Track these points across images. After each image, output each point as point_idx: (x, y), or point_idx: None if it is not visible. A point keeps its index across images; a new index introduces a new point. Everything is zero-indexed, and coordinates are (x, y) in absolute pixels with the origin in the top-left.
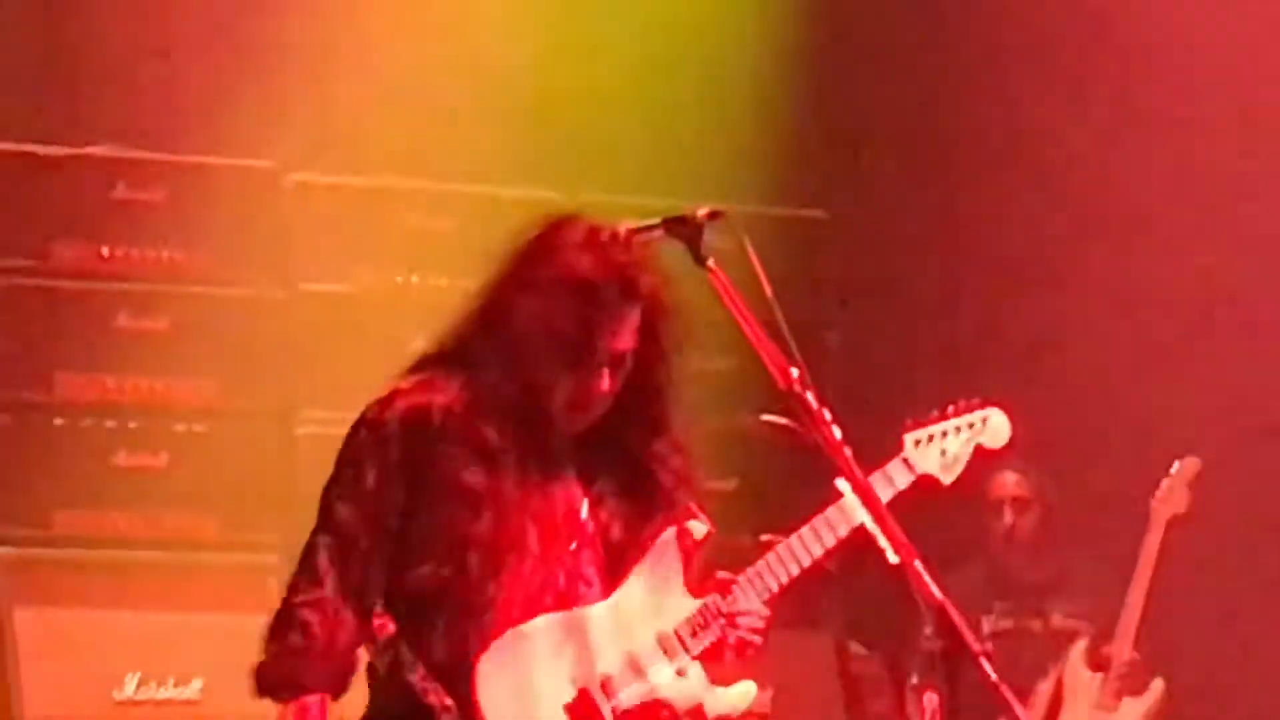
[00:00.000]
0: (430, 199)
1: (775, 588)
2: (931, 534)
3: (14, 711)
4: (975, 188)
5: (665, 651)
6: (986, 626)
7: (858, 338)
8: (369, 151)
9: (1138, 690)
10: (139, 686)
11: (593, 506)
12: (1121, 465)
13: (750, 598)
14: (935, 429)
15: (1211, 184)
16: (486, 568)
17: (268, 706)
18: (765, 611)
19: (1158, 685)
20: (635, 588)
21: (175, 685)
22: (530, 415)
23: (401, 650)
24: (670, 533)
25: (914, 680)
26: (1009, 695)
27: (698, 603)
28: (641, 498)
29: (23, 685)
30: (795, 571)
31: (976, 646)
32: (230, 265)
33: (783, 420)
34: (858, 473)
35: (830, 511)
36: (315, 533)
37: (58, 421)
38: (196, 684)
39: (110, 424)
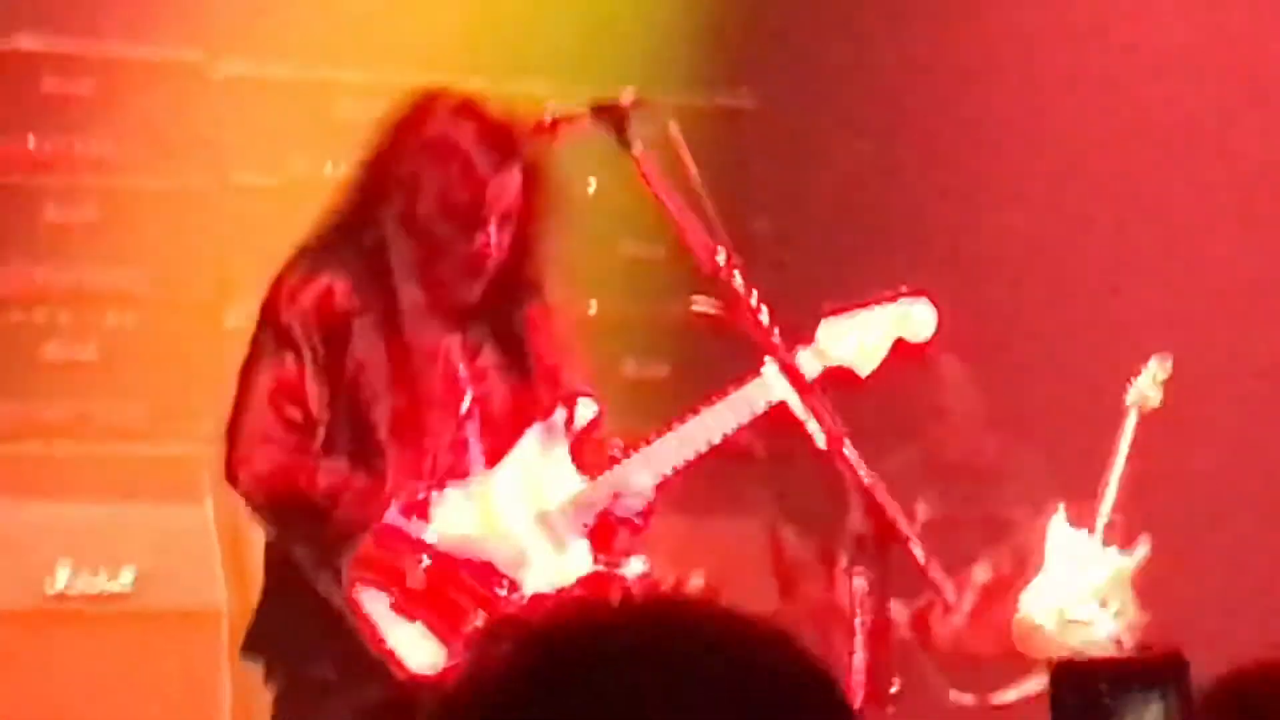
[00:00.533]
0: (359, 89)
1: (670, 469)
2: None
3: None
4: (914, 68)
5: (546, 528)
6: (921, 513)
7: (786, 225)
8: (297, 42)
9: (1125, 544)
10: (70, 578)
11: (473, 376)
12: (1085, 361)
13: (640, 475)
14: (853, 320)
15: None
16: (389, 444)
17: (199, 596)
18: (649, 494)
19: (1144, 543)
20: (517, 463)
21: (106, 577)
22: (423, 283)
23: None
24: (559, 412)
25: (843, 563)
26: (938, 575)
27: (584, 480)
28: (517, 366)
29: None
30: (696, 452)
31: (904, 530)
32: (159, 157)
33: (712, 306)
34: (784, 356)
35: (744, 389)
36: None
37: None
38: (128, 575)
39: (39, 317)
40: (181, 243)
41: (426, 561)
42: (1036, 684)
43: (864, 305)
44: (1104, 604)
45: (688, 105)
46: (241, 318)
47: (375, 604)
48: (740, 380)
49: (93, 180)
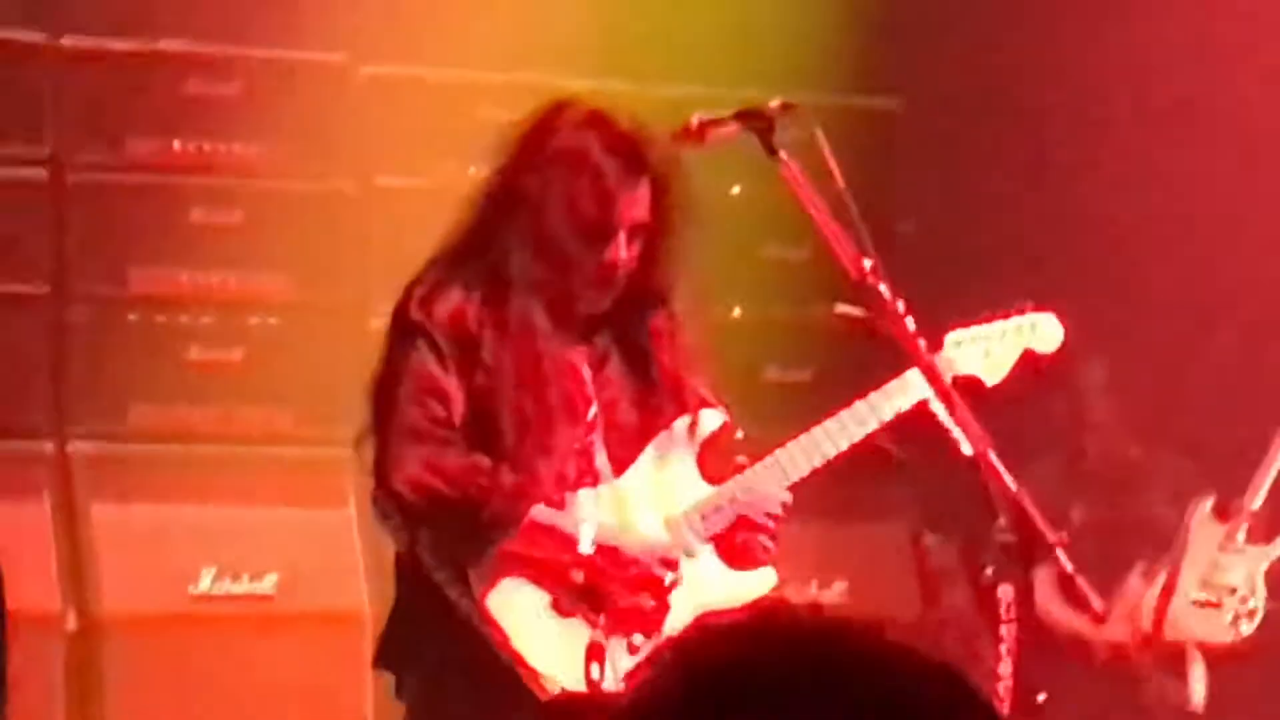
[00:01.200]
0: (503, 91)
1: (805, 471)
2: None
3: (92, 606)
4: (1064, 76)
5: (670, 533)
6: (1075, 517)
7: (932, 229)
8: (441, 43)
9: (1265, 539)
10: (214, 581)
11: (599, 385)
12: (1227, 360)
13: (767, 483)
14: (980, 331)
15: None
16: (516, 454)
17: (342, 599)
18: (783, 497)
19: None
20: (644, 470)
21: (250, 580)
22: (551, 295)
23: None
24: (683, 420)
25: (989, 573)
26: (1086, 586)
27: (711, 489)
28: (643, 376)
29: (100, 580)
30: (831, 454)
31: (1052, 538)
32: (303, 159)
33: (857, 311)
34: (930, 360)
35: (883, 390)
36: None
37: (132, 316)
38: (271, 578)
39: (184, 319)
40: (326, 245)
41: (589, 550)
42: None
43: (991, 319)
44: (1233, 591)
45: (835, 106)
46: (386, 320)
47: (528, 601)
48: (884, 383)
49: (237, 182)
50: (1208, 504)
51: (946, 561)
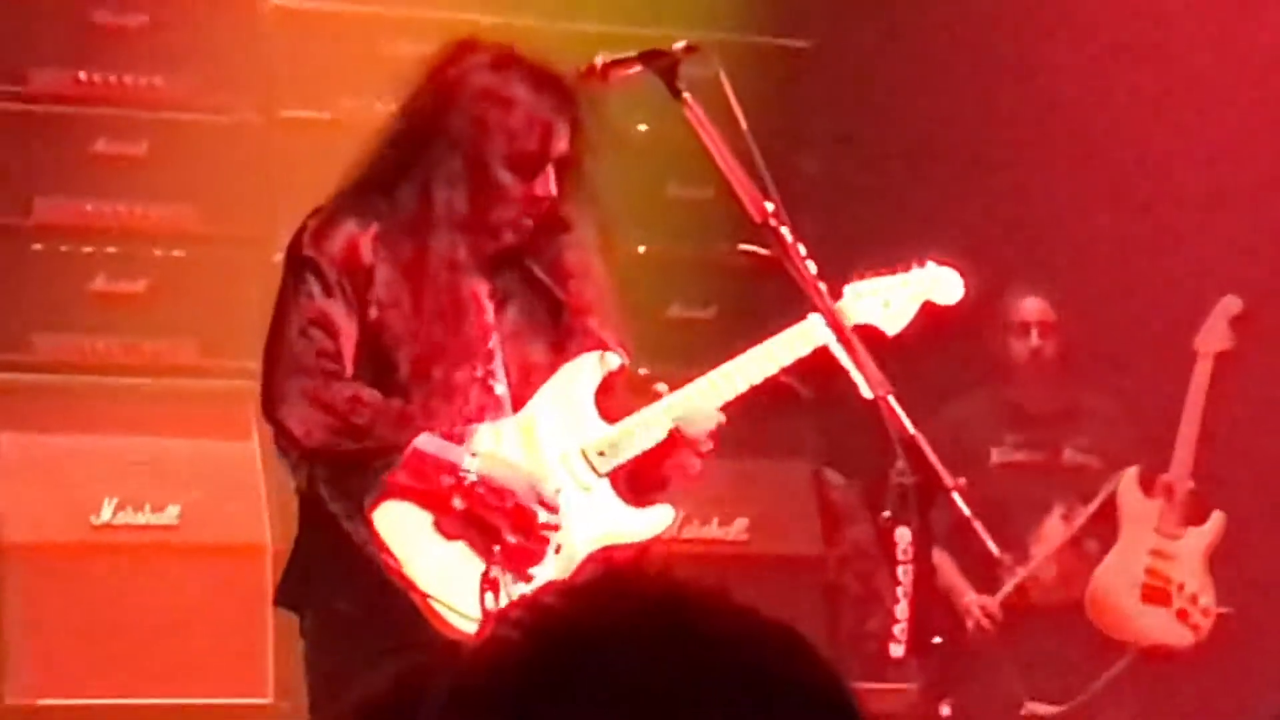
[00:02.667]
0: (410, 26)
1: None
2: (939, 361)
3: None
4: (971, 17)
5: (563, 469)
6: (995, 458)
7: (837, 169)
8: None
9: (1199, 520)
10: (116, 511)
11: (500, 318)
12: (1157, 303)
13: (704, 402)
14: (880, 283)
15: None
16: (412, 387)
17: (245, 532)
18: (718, 418)
19: (1218, 517)
20: (542, 405)
21: (152, 511)
22: (472, 229)
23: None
24: (585, 357)
25: (886, 515)
26: (982, 530)
27: (609, 426)
28: (546, 311)
29: (2, 509)
30: (735, 392)
31: (949, 482)
32: (209, 91)
33: (761, 249)
34: (830, 306)
35: (786, 334)
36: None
37: (36, 246)
38: (173, 510)
39: (89, 249)
40: (231, 177)
41: (472, 479)
42: (1121, 666)
43: (892, 271)
44: (1181, 587)
45: (744, 45)
46: None
47: (413, 523)
48: (788, 322)
49: (143, 114)
50: (1133, 473)
51: (848, 499)
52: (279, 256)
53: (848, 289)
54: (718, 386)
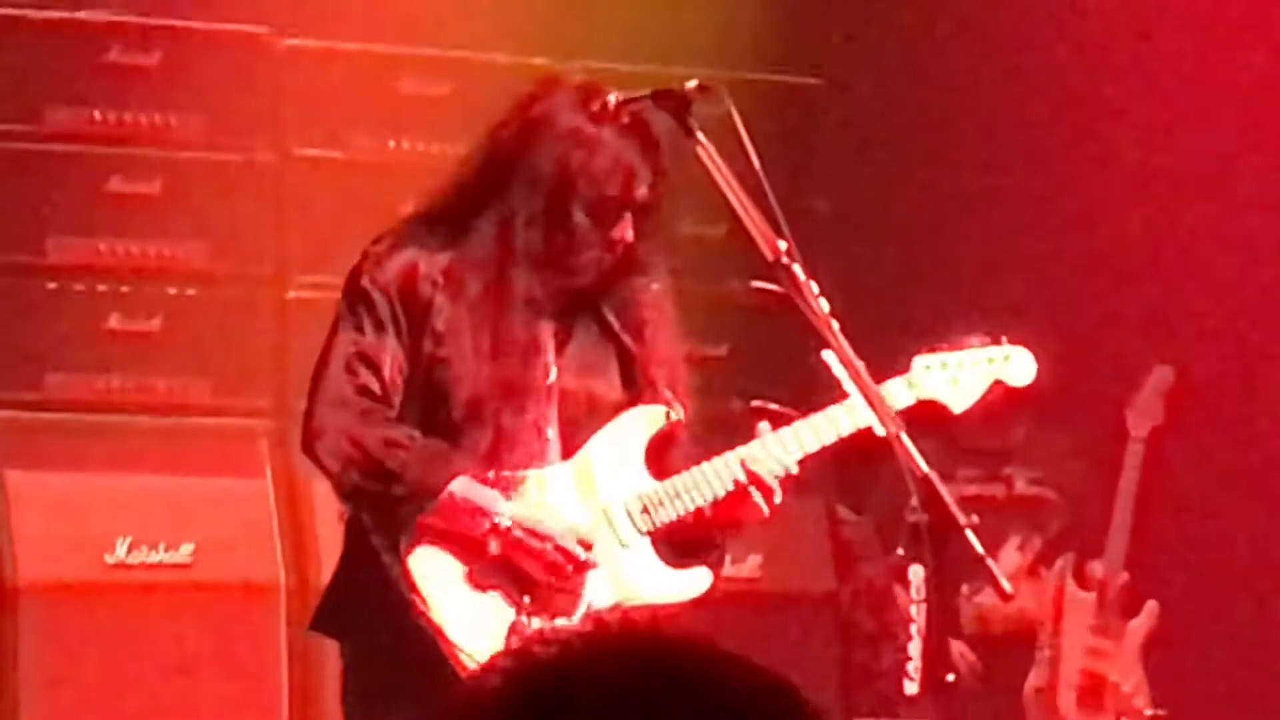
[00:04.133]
0: (423, 65)
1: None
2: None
3: (6, 573)
4: (988, 55)
5: (603, 522)
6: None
7: (849, 208)
8: (363, 16)
9: (1133, 611)
10: (130, 550)
11: (560, 360)
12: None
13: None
14: (951, 357)
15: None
16: (464, 426)
17: (257, 570)
18: (791, 468)
19: (1151, 606)
20: (592, 454)
21: (166, 549)
22: (546, 269)
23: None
24: (646, 408)
25: (900, 552)
26: (994, 568)
27: (655, 483)
28: (610, 357)
29: (15, 548)
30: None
31: (962, 520)
32: (222, 130)
33: (774, 286)
34: (843, 345)
35: (830, 410)
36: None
37: (50, 285)
38: (187, 548)
39: (102, 288)
40: (244, 216)
41: (507, 523)
42: None
43: (961, 346)
44: (1116, 687)
45: (755, 83)
46: (303, 291)
47: (446, 571)
48: (800, 359)
49: (157, 152)
50: (1069, 560)
51: (861, 536)
52: (293, 294)
53: (916, 360)
54: (778, 454)
